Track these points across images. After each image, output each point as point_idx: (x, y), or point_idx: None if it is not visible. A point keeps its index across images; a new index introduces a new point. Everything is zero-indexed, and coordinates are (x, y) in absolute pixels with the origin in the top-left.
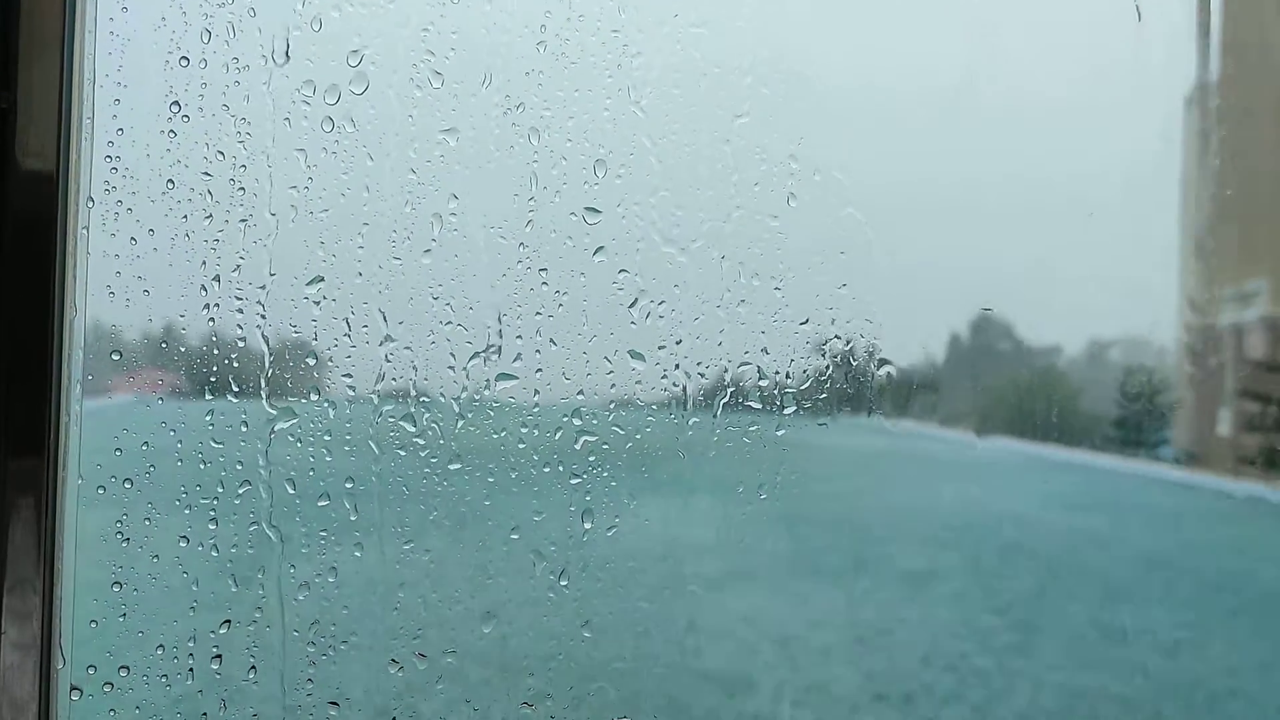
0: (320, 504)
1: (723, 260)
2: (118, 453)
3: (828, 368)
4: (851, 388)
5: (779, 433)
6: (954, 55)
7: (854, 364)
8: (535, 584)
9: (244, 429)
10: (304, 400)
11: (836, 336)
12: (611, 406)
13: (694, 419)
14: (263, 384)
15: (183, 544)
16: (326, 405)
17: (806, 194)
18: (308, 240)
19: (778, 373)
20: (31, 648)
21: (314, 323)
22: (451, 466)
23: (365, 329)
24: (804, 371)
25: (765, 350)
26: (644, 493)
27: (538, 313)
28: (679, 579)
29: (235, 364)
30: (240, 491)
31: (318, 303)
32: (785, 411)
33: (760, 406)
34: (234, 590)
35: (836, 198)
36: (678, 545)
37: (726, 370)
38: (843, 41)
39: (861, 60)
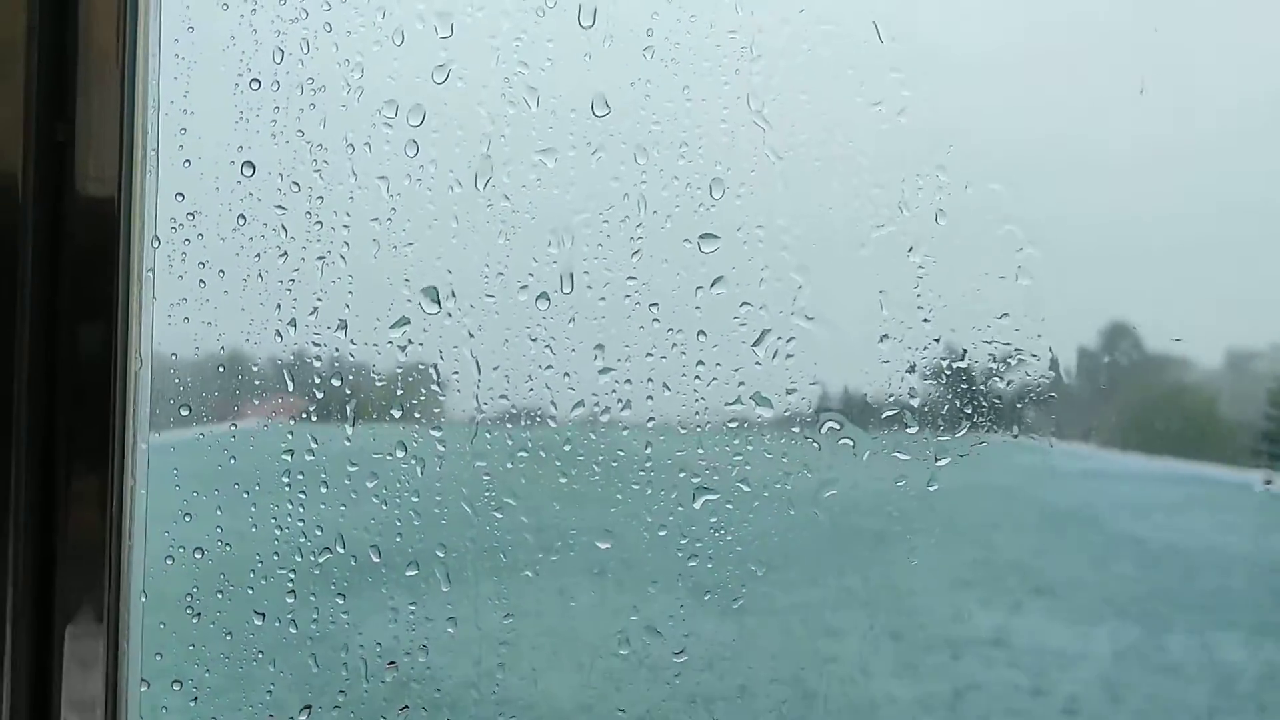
0: (409, 573)
1: (861, 289)
2: (188, 519)
3: (987, 408)
4: (1004, 425)
5: (931, 488)
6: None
7: (1011, 401)
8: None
9: (323, 490)
10: (387, 457)
11: (996, 372)
12: (736, 460)
13: (831, 473)
14: (345, 439)
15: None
16: (414, 462)
17: (957, 209)
18: (391, 278)
19: (928, 415)
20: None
21: (399, 371)
22: (542, 546)
23: (456, 376)
24: (958, 412)
25: (913, 393)
26: (777, 566)
27: (648, 354)
28: None
29: (313, 416)
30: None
31: (403, 347)
32: (939, 462)
33: (909, 457)
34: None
35: (993, 213)
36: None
37: (870, 416)
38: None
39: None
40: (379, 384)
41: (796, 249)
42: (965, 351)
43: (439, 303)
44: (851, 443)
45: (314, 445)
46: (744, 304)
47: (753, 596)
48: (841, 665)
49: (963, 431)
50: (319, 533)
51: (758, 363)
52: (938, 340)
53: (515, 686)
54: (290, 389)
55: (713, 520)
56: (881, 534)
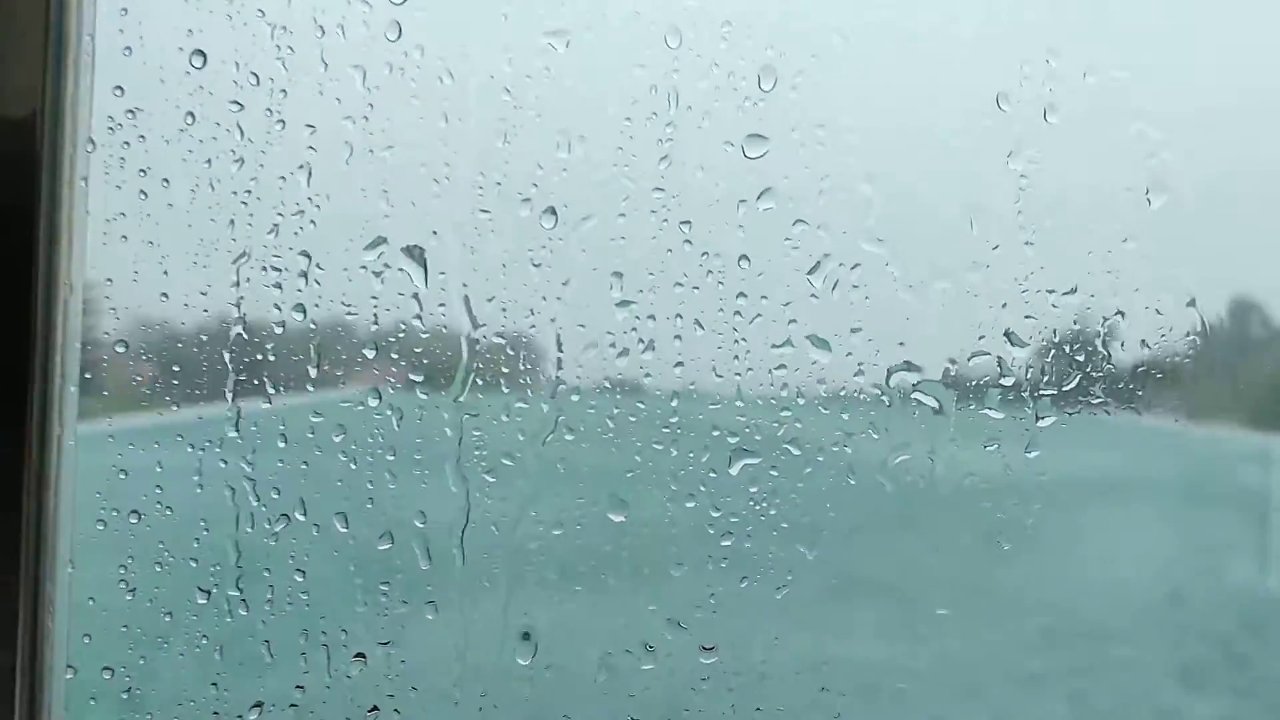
0: (382, 546)
1: (945, 204)
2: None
3: (1084, 360)
4: (1120, 389)
5: (1030, 454)
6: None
7: (1131, 363)
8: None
9: (280, 445)
10: (357, 407)
11: (1112, 331)
12: (784, 417)
13: (903, 435)
14: (306, 384)
15: None
16: (389, 413)
17: (1072, 103)
18: (366, 189)
19: (1029, 368)
20: None
21: (374, 301)
22: (530, 515)
23: (442, 309)
24: (1066, 363)
25: (1011, 337)
26: (831, 546)
27: (677, 284)
28: None
29: (270, 356)
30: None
31: (379, 273)
32: (1041, 421)
33: (1001, 415)
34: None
35: (1119, 108)
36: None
37: (953, 363)
38: None
39: None
40: (349, 317)
41: (864, 154)
42: (1076, 288)
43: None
44: (934, 403)
45: (273, 393)
46: (798, 222)
47: (800, 583)
48: (911, 675)
49: (1070, 386)
50: (275, 496)
51: (814, 295)
52: (1042, 269)
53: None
54: (243, 319)
55: (753, 490)
56: (969, 511)
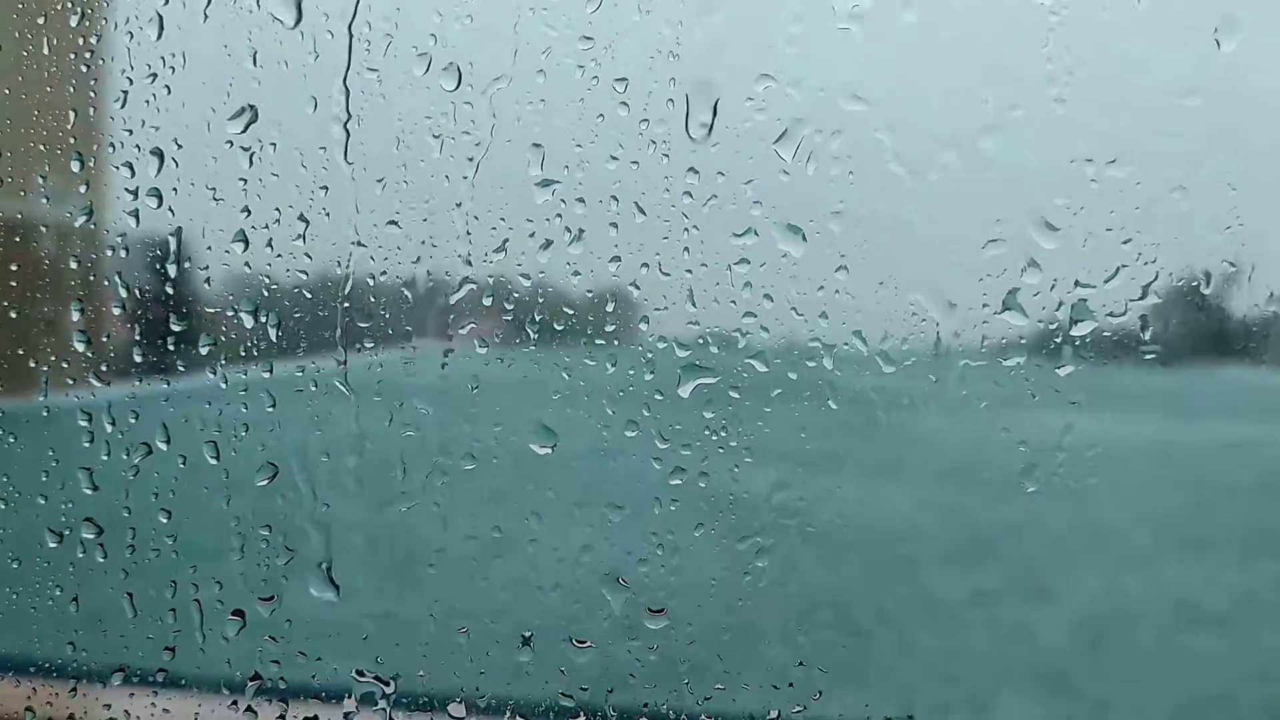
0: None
1: (956, 59)
2: None
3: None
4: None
5: (1061, 369)
6: None
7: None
8: None
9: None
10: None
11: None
12: (746, 323)
13: (902, 346)
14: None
15: None
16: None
17: None
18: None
19: (1063, 260)
20: None
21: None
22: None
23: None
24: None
25: (1044, 223)
26: (805, 485)
27: (612, 156)
28: None
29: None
30: None
31: (243, 146)
32: (1077, 327)
33: (1024, 321)
34: None
35: None
36: None
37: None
38: None
39: None
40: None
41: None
42: (1116, 159)
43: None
44: (934, 319)
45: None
46: (762, 77)
47: (770, 530)
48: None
49: (1108, 285)
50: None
51: (784, 171)
52: (1078, 133)
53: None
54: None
55: (708, 416)
56: (977, 447)
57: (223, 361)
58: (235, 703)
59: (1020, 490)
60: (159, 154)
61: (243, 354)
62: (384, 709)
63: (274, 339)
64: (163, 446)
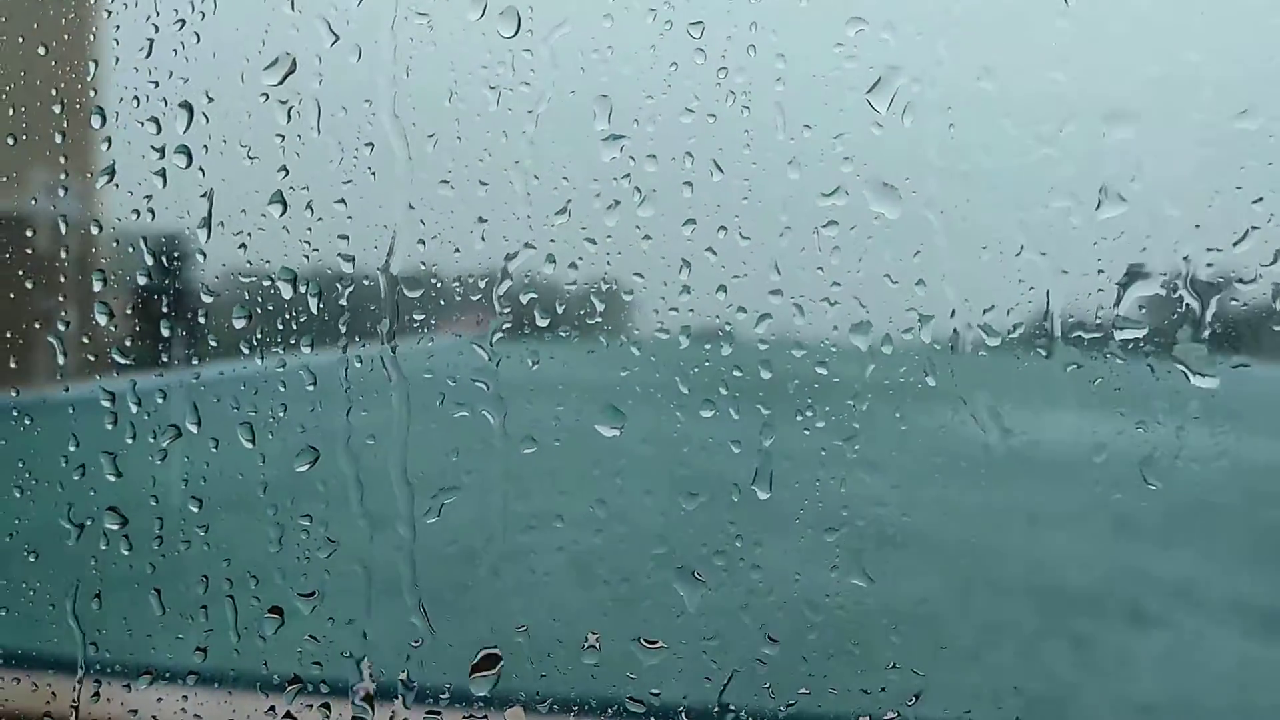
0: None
1: None
2: None
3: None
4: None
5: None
6: None
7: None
8: None
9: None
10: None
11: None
12: (834, 293)
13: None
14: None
15: None
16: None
17: None
18: None
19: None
20: None
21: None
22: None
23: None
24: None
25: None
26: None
27: (688, 109)
28: None
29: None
30: None
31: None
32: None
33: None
34: None
35: None
36: None
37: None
38: None
39: None
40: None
41: None
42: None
43: None
44: (1044, 287)
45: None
46: (853, 20)
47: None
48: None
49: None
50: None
51: (878, 124)
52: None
53: None
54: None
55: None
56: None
57: (257, 338)
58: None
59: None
60: (188, 108)
61: (280, 330)
62: (437, 712)
63: (314, 312)
64: (193, 429)
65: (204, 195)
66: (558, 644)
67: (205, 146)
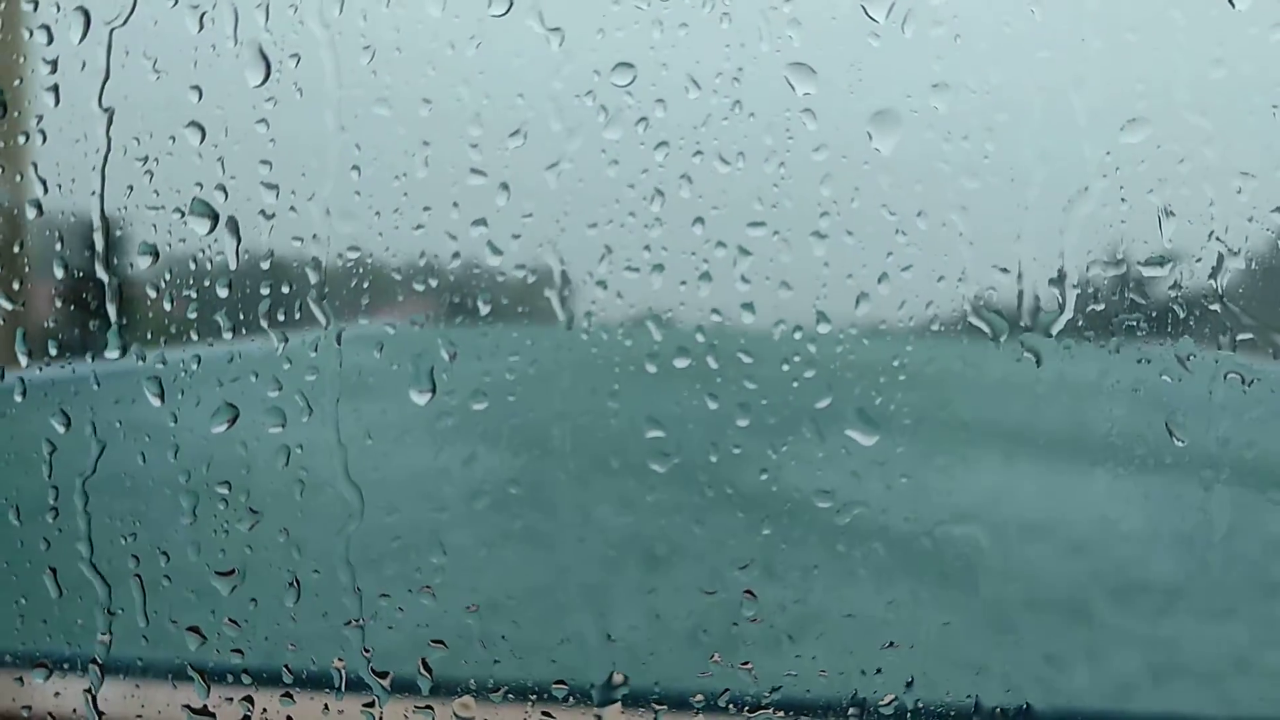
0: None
1: None
2: None
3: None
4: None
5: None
6: None
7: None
8: None
9: None
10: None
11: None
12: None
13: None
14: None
15: None
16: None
17: None
18: None
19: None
20: None
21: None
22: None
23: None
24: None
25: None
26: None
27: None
28: None
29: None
30: None
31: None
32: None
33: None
34: None
35: None
36: None
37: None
38: None
39: None
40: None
41: None
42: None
43: None
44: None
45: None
46: None
47: None
48: None
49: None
50: None
51: (875, 35)
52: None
53: None
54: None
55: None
56: None
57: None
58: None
59: None
60: (84, 13)
61: (192, 272)
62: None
63: (234, 254)
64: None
65: (105, 111)
66: (513, 627)
67: (105, 59)
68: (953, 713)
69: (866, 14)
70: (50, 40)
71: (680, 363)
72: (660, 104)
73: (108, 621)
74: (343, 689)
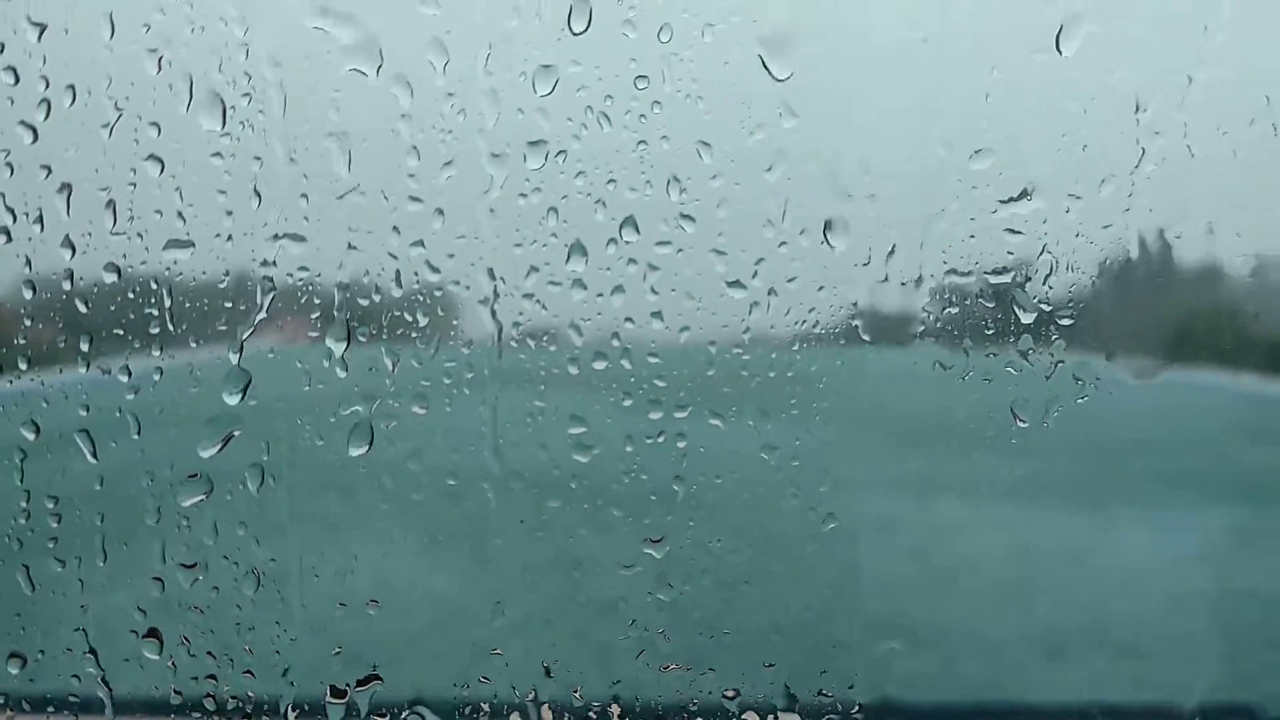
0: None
1: None
2: None
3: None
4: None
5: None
6: None
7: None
8: None
9: None
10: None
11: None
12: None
13: None
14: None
15: None
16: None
17: None
18: None
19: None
20: None
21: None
22: None
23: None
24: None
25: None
26: None
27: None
28: None
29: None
30: None
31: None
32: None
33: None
34: None
35: None
36: None
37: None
38: None
39: None
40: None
41: None
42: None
43: None
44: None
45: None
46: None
47: None
48: None
49: None
50: None
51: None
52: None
53: None
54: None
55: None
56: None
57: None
58: None
59: None
60: None
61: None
62: None
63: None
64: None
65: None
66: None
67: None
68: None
69: (763, 64)
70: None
71: (598, 365)
72: (576, 139)
73: None
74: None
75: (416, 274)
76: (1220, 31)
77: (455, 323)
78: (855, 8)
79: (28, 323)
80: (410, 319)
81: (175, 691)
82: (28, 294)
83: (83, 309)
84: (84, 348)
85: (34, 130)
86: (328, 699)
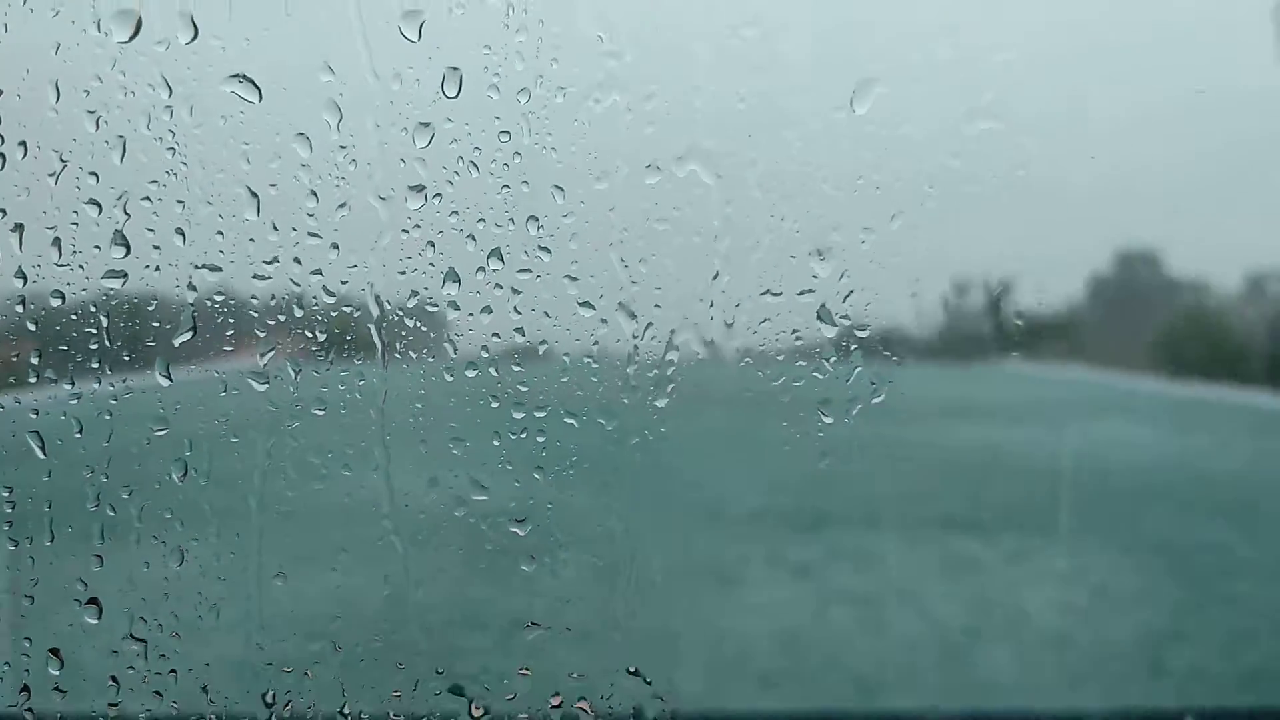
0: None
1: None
2: None
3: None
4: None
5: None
6: None
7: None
8: None
9: None
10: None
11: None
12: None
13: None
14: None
15: None
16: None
17: None
18: None
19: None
20: None
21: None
22: None
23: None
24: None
25: None
26: None
27: None
28: None
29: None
30: None
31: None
32: None
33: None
34: None
35: None
36: None
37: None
38: None
39: None
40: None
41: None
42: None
43: None
44: None
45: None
46: None
47: None
48: None
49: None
50: None
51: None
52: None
53: None
54: None
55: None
56: None
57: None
58: None
59: None
60: None
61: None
62: None
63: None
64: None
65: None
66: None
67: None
68: None
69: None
70: None
71: (470, 373)
72: (450, 184)
73: None
74: None
75: (315, 298)
76: (989, 89)
77: (349, 339)
78: (685, 74)
79: None
80: (310, 335)
81: None
82: None
83: (31, 327)
84: (33, 361)
85: None
86: None
